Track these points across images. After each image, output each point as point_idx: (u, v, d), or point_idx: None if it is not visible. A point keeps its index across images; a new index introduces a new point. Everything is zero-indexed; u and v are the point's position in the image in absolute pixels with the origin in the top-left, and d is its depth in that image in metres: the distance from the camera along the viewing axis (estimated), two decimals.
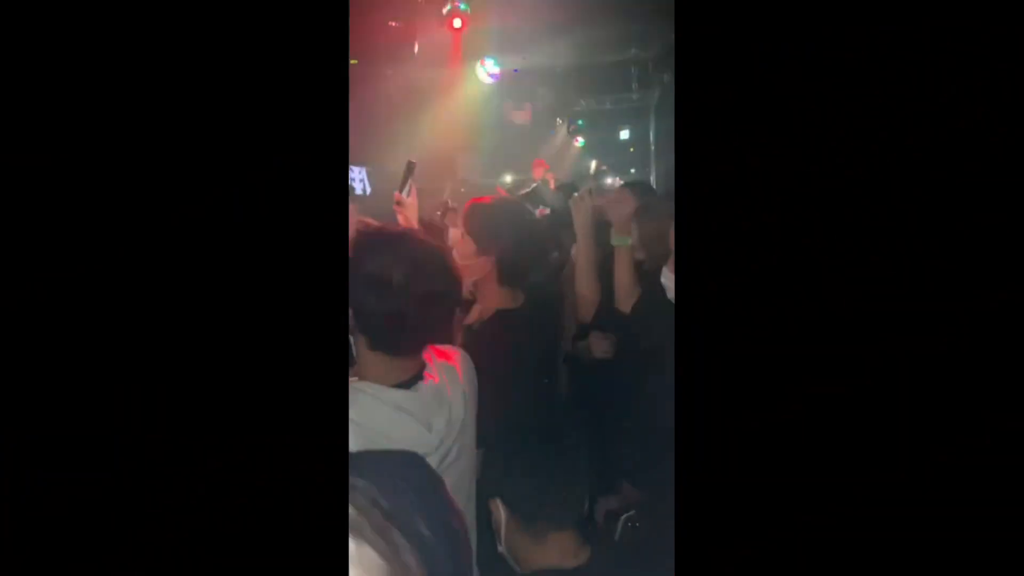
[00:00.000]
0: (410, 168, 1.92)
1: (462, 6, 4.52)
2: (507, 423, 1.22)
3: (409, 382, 0.98)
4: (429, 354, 1.03)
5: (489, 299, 1.45)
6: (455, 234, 1.74)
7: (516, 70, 6.13)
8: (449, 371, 1.05)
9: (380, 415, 0.91)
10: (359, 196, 5.34)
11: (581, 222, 1.69)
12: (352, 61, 4.94)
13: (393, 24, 4.41)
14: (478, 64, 5.59)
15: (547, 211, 2.16)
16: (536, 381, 1.48)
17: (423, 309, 0.92)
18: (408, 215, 1.65)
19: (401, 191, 1.77)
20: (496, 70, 5.66)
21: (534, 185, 2.42)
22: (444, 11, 4.46)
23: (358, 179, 5.37)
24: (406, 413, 0.94)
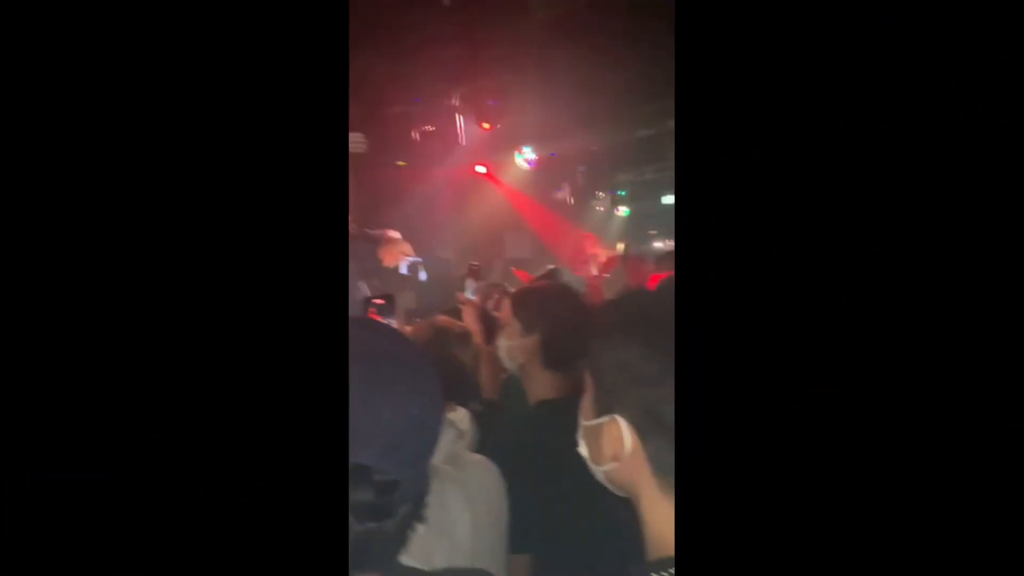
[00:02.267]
0: (473, 271, 2.07)
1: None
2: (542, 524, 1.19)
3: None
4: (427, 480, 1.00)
5: (534, 385, 1.45)
6: (504, 316, 1.83)
7: (554, 154, 6.47)
8: (452, 490, 1.01)
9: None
10: (420, 283, 5.64)
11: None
12: (400, 163, 5.41)
13: (431, 129, 4.84)
14: (516, 153, 5.97)
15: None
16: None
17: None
18: (471, 315, 1.74)
19: (464, 292, 1.91)
20: (533, 156, 6.01)
21: (548, 267, 2.52)
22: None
23: (404, 267, 5.67)
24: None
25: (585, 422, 0.66)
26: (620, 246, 2.53)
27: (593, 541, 1.28)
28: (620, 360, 0.62)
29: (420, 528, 0.88)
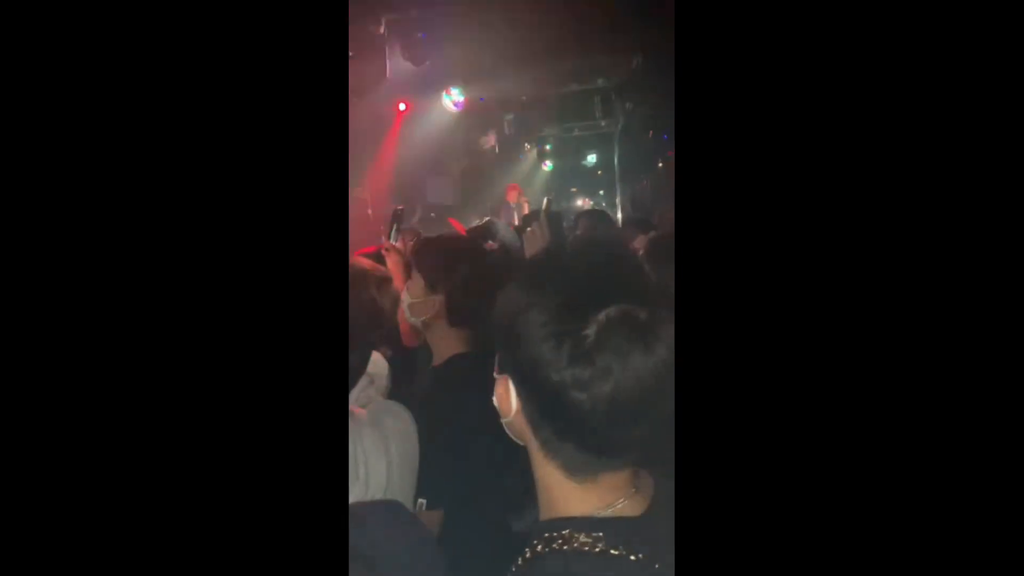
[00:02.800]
0: (397, 215, 1.98)
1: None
2: (457, 477, 1.20)
3: None
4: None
5: (440, 342, 1.42)
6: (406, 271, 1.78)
7: (482, 99, 6.30)
8: (370, 433, 1.02)
9: None
10: None
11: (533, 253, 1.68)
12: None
13: (352, 55, 4.54)
14: (443, 93, 5.75)
15: (495, 245, 2.23)
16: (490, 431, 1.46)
17: None
18: (393, 261, 1.66)
19: (389, 237, 1.83)
20: (461, 99, 5.82)
21: (485, 219, 2.50)
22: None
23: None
24: None
25: (495, 375, 0.68)
26: (544, 201, 2.52)
27: (497, 493, 1.32)
28: (527, 320, 0.61)
29: None
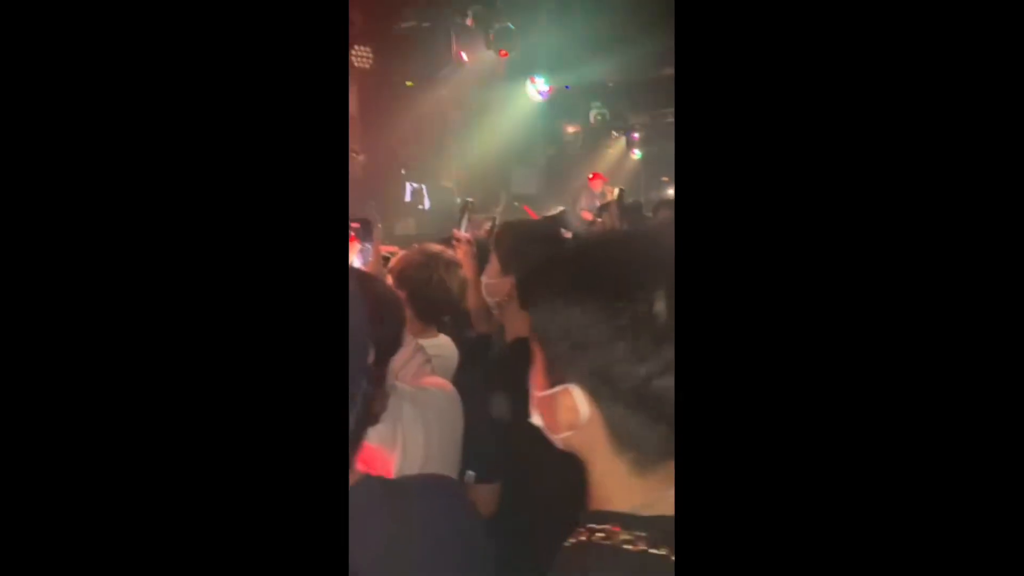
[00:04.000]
0: (467, 206, 2.05)
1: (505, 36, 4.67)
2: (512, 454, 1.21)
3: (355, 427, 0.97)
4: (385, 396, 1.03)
5: (512, 324, 1.46)
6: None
7: (568, 87, 6.23)
8: (410, 409, 1.04)
9: None
10: (421, 211, 5.61)
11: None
12: (408, 83, 5.23)
13: (442, 49, 4.65)
14: (528, 82, 5.73)
15: (570, 234, 2.22)
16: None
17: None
18: (466, 251, 1.74)
19: (459, 227, 1.89)
20: (546, 88, 5.78)
21: (560, 209, 2.49)
22: (489, 40, 4.65)
23: (408, 193, 5.62)
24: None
25: (538, 393, 0.65)
26: (616, 191, 2.46)
27: (542, 481, 1.32)
28: (568, 323, 0.60)
29: (372, 439, 0.94)
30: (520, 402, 1.22)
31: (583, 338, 0.58)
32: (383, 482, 0.69)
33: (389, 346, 1.03)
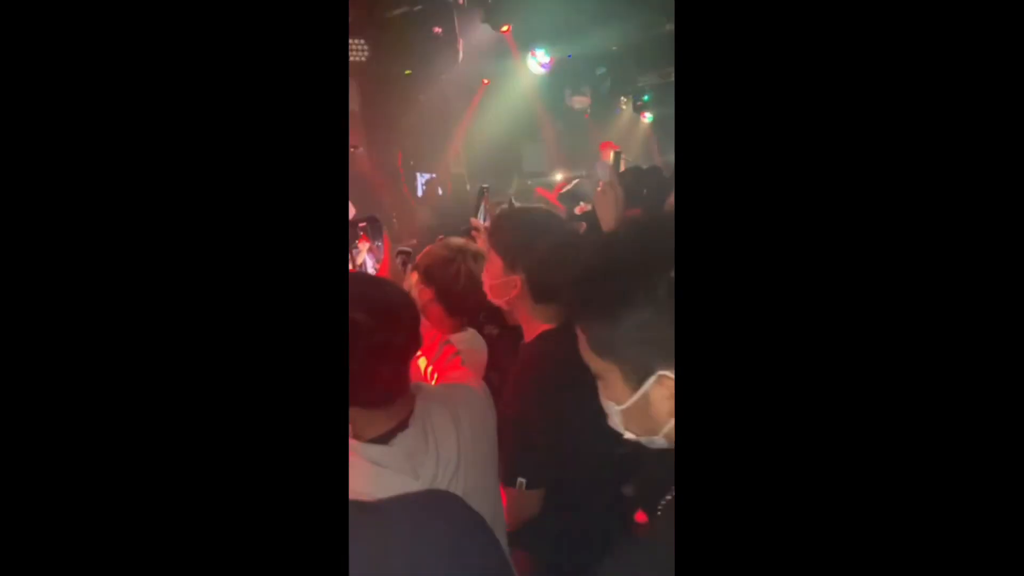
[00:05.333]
0: (483, 193, 1.97)
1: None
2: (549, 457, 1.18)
3: (386, 436, 0.93)
4: (411, 399, 0.99)
5: (528, 321, 1.36)
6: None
7: (570, 55, 6.03)
8: (439, 410, 1.00)
9: (356, 473, 0.82)
10: (437, 201, 5.56)
11: (606, 217, 1.55)
12: (406, 72, 5.12)
13: (437, 31, 4.52)
14: (528, 56, 5.57)
15: (588, 207, 2.11)
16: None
17: (382, 360, 0.88)
18: (485, 240, 1.61)
19: (477, 216, 1.83)
20: (547, 59, 5.60)
21: (574, 181, 2.38)
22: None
23: (420, 185, 5.57)
24: (386, 467, 0.90)
25: (621, 406, 0.64)
26: (612, 155, 2.33)
27: (587, 473, 1.26)
28: (630, 320, 0.60)
29: (404, 446, 0.93)
30: (565, 400, 1.17)
31: (647, 332, 0.57)
32: (372, 505, 0.66)
33: (406, 349, 0.98)
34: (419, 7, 4.62)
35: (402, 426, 0.95)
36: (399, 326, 0.92)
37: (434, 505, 0.69)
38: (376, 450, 0.91)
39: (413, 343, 0.98)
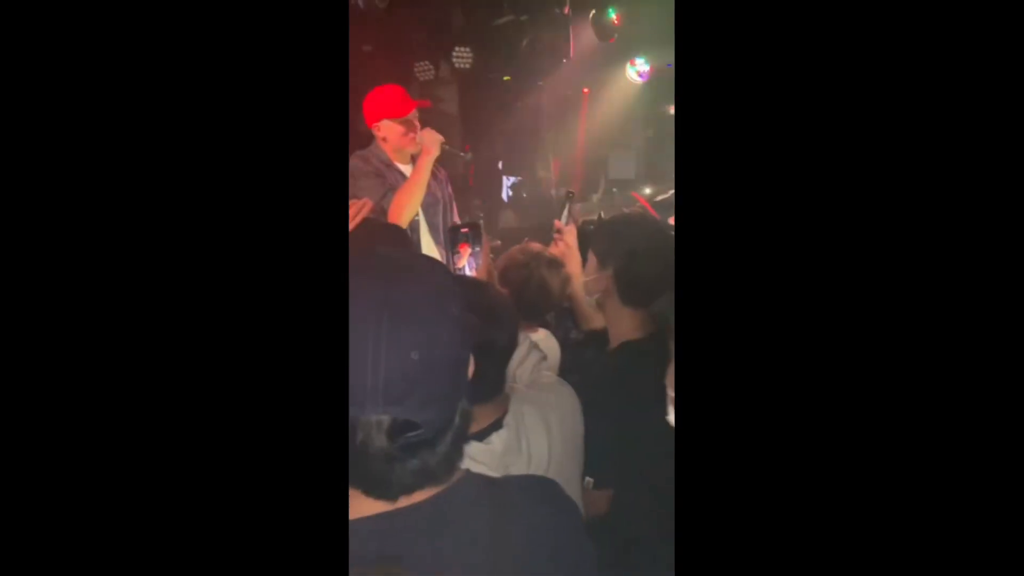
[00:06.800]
0: (569, 197, 2.07)
1: (610, 12, 4.59)
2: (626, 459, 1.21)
3: (480, 433, 0.97)
4: (506, 399, 1.02)
5: (616, 323, 1.43)
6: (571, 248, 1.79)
7: (669, 64, 5.97)
8: (531, 411, 1.04)
9: None
10: (520, 203, 5.70)
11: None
12: (505, 78, 5.28)
13: (540, 40, 4.64)
14: (628, 65, 5.57)
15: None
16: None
17: (485, 359, 0.86)
18: (568, 242, 1.74)
19: (561, 219, 1.93)
20: (647, 68, 5.58)
21: (670, 192, 2.41)
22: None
23: (506, 188, 5.72)
24: (480, 464, 0.93)
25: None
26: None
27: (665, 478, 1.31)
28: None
29: (499, 445, 0.99)
30: (639, 403, 1.24)
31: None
32: (485, 480, 0.70)
33: (506, 349, 1.05)
34: (525, 16, 4.76)
35: (496, 426, 1.00)
36: (501, 326, 1.00)
37: (538, 486, 0.74)
38: (471, 446, 0.93)
39: (512, 343, 1.06)
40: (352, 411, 0.56)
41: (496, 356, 1.01)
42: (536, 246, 1.77)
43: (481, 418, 1.00)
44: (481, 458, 0.95)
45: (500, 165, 5.65)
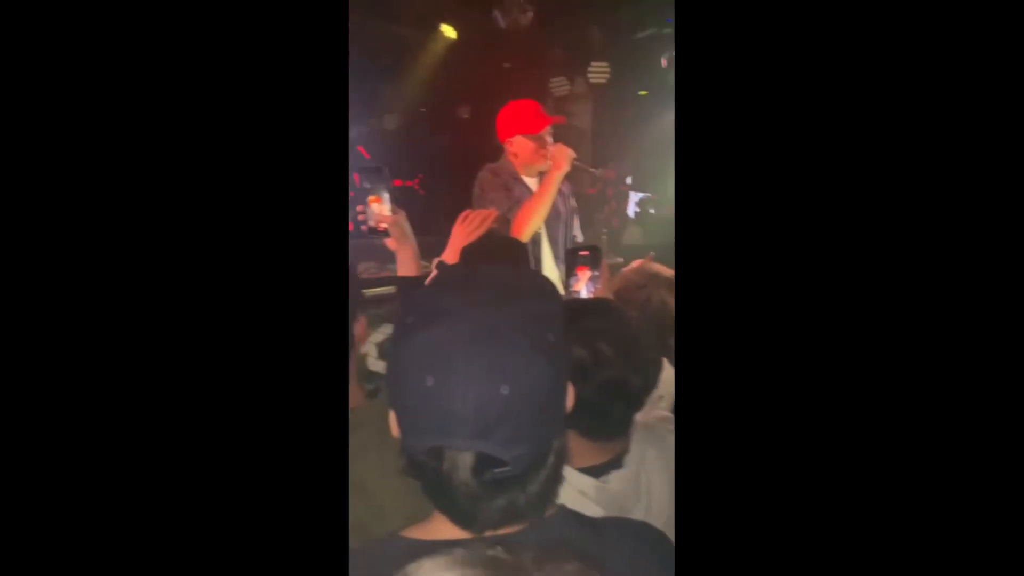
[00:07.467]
0: None
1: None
2: None
3: (596, 469, 0.89)
4: (627, 437, 0.93)
5: None
6: None
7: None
8: (655, 454, 0.93)
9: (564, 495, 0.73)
10: (648, 219, 5.53)
11: None
12: (641, 92, 5.16)
13: (665, 62, 4.48)
14: None
15: None
16: None
17: (617, 397, 0.86)
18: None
19: None
20: None
21: None
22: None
23: (633, 203, 5.57)
24: (589, 500, 0.84)
25: None
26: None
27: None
28: None
29: (617, 485, 0.89)
30: None
31: None
32: (581, 518, 0.64)
33: (640, 392, 0.93)
34: (667, 29, 4.62)
35: (615, 464, 0.91)
36: (637, 366, 0.90)
37: (642, 533, 0.67)
38: (585, 481, 0.86)
39: (649, 386, 0.95)
40: (439, 439, 0.54)
41: (629, 399, 0.92)
42: (656, 266, 1.66)
43: (597, 453, 0.92)
44: (592, 495, 0.86)
45: (629, 180, 5.53)
